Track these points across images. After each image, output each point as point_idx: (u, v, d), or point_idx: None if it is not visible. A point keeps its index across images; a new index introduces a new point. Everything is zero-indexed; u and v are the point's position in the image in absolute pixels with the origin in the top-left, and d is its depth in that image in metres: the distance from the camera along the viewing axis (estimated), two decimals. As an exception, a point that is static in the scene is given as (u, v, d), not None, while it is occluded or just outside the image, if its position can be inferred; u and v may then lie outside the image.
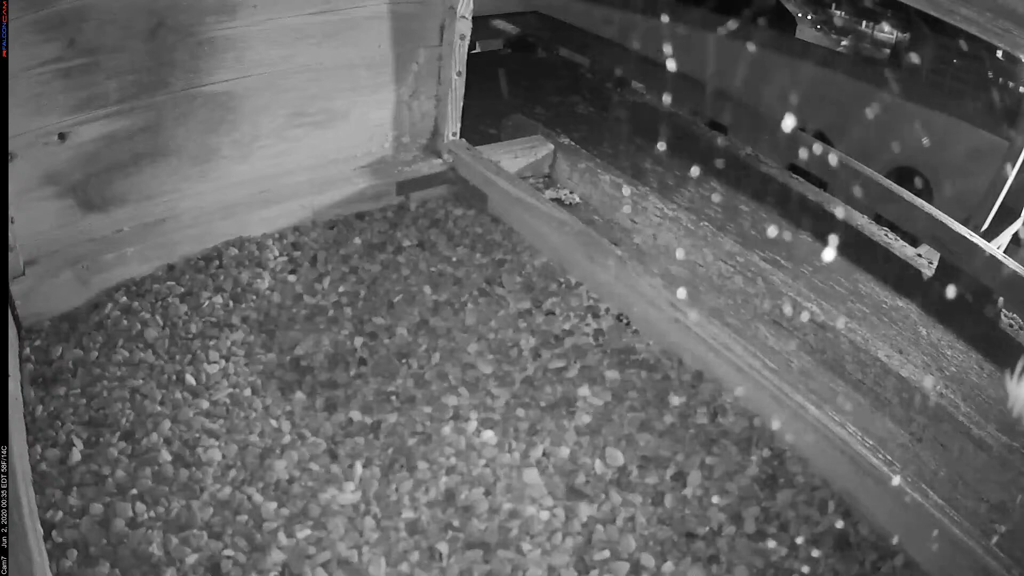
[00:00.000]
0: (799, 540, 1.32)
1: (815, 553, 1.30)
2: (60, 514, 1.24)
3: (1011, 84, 3.67)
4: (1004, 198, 2.39)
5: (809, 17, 4.60)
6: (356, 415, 1.49)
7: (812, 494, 1.39)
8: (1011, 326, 2.25)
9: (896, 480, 1.32)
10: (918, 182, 3.38)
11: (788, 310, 1.89)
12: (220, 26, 1.69)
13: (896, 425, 1.60)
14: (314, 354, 1.60)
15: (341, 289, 1.76)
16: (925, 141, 3.29)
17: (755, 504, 1.37)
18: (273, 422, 1.46)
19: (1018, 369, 1.89)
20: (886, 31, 4.40)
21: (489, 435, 1.47)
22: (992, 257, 2.23)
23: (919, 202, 2.49)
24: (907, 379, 1.76)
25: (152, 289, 1.67)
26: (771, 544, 1.31)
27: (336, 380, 1.56)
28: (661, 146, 2.78)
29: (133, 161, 1.70)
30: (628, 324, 1.73)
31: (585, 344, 1.67)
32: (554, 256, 1.89)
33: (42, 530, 1.15)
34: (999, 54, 3.56)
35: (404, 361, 1.61)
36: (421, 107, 2.09)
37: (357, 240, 1.90)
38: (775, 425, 1.49)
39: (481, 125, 2.56)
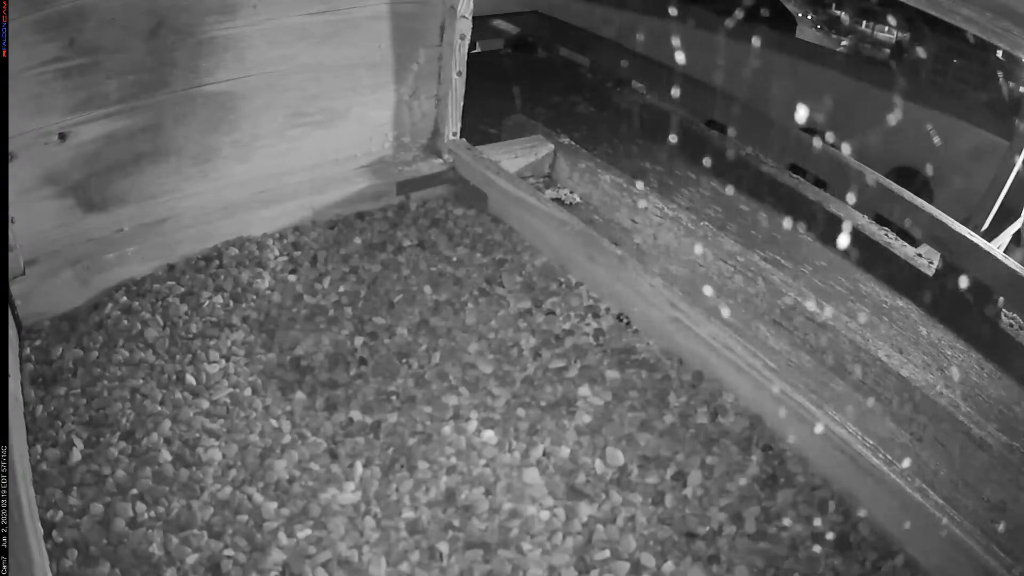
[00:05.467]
0: (799, 540, 1.32)
1: (815, 553, 1.30)
2: (60, 514, 1.24)
3: (1012, 84, 3.66)
4: (1004, 198, 2.39)
5: (809, 17, 4.60)
6: (356, 415, 1.49)
7: (812, 494, 1.39)
8: (1011, 326, 2.25)
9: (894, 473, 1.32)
10: (918, 181, 3.37)
11: (788, 310, 1.89)
12: (220, 26, 1.69)
13: (896, 425, 1.60)
14: (314, 354, 1.60)
15: (341, 289, 1.76)
16: (926, 141, 3.29)
17: (755, 504, 1.37)
18: (273, 422, 1.46)
19: None
20: (886, 31, 4.40)
21: (489, 435, 1.47)
22: (992, 257, 2.23)
23: (919, 202, 2.49)
24: (907, 379, 1.76)
25: (152, 289, 1.67)
26: (771, 544, 1.31)
27: (336, 380, 1.56)
28: (661, 146, 2.78)
29: (133, 161, 1.70)
30: (628, 324, 1.73)
31: (585, 344, 1.67)
32: (554, 256, 1.89)
33: (42, 530, 1.15)
34: (999, 54, 3.56)
35: (404, 361, 1.61)
36: (421, 107, 2.08)
37: (357, 240, 1.90)
38: (775, 425, 1.49)
39: (481, 125, 2.56)
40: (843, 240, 2.41)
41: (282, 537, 1.26)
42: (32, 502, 1.16)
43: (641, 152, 2.76)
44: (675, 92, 3.12)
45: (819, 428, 1.42)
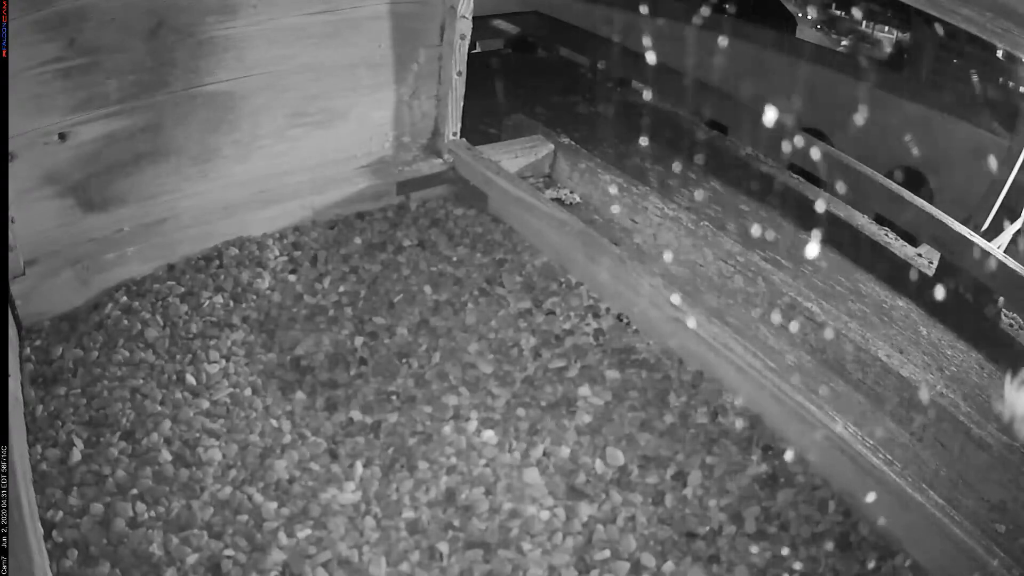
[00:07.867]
0: (799, 540, 1.32)
1: (815, 553, 1.30)
2: (60, 514, 1.24)
3: (1012, 84, 3.66)
4: (1004, 198, 2.39)
5: (809, 17, 4.60)
6: (356, 415, 1.49)
7: (812, 494, 1.39)
8: (1011, 326, 2.25)
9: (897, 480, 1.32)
10: (918, 182, 3.37)
11: (788, 310, 1.89)
12: (220, 26, 1.69)
13: (896, 425, 1.60)
14: (314, 354, 1.60)
15: (341, 289, 1.76)
16: (925, 141, 3.29)
17: (755, 504, 1.37)
18: (273, 422, 1.46)
19: (1018, 376, 1.89)
20: (886, 31, 4.40)
21: (489, 435, 1.47)
22: (992, 257, 2.23)
23: (919, 202, 2.49)
24: (907, 379, 1.76)
25: (152, 289, 1.67)
26: (771, 544, 1.31)
27: (336, 380, 1.56)
28: (661, 146, 2.78)
29: (133, 161, 1.70)
30: (628, 324, 1.73)
31: (585, 344, 1.67)
32: (554, 256, 1.89)
33: (42, 530, 1.15)
34: (999, 54, 3.56)
35: (404, 361, 1.61)
36: (421, 107, 2.08)
37: (357, 240, 1.90)
38: (775, 425, 1.49)
39: (481, 125, 2.56)
40: (843, 240, 2.41)
41: (282, 537, 1.26)
42: (32, 502, 1.16)
43: (641, 152, 2.76)
44: (675, 92, 3.12)
45: (819, 428, 1.42)
